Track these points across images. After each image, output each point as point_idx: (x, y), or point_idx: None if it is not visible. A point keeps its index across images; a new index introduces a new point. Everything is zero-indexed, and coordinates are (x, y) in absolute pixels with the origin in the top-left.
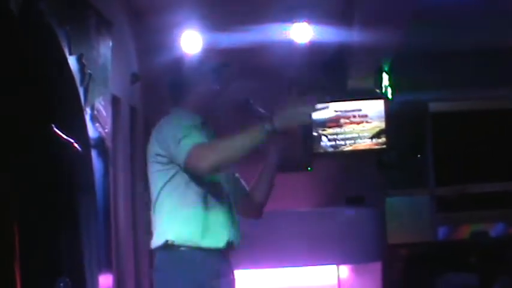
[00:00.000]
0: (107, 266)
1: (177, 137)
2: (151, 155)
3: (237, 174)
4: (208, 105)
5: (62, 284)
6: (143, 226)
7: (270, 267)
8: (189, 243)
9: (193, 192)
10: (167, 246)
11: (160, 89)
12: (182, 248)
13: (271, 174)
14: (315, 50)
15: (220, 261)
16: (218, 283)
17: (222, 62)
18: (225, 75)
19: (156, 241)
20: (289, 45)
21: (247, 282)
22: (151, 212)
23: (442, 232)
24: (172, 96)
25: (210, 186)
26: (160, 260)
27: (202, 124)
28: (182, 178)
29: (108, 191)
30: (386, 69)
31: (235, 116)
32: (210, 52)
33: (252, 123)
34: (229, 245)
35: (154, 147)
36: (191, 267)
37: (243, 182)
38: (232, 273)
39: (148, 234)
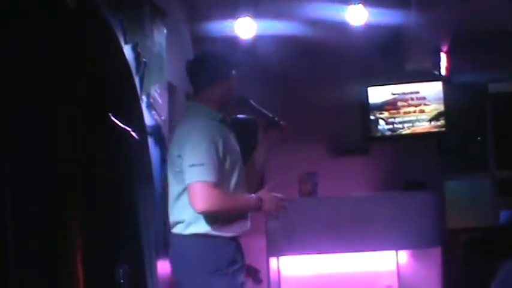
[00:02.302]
0: (164, 253)
1: (192, 159)
2: (174, 154)
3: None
4: (227, 104)
5: (121, 271)
6: None
7: (328, 253)
8: (213, 232)
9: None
10: (193, 235)
11: None
12: (211, 237)
13: (256, 165)
14: (370, 33)
15: (235, 246)
16: (235, 268)
17: (239, 56)
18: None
19: (183, 228)
20: (345, 27)
21: (306, 267)
22: (171, 201)
23: (503, 216)
24: (195, 86)
25: (241, 183)
26: (182, 243)
27: (220, 121)
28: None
29: (165, 178)
30: (444, 50)
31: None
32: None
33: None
34: (245, 233)
35: (175, 149)
36: (212, 252)
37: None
38: (243, 256)
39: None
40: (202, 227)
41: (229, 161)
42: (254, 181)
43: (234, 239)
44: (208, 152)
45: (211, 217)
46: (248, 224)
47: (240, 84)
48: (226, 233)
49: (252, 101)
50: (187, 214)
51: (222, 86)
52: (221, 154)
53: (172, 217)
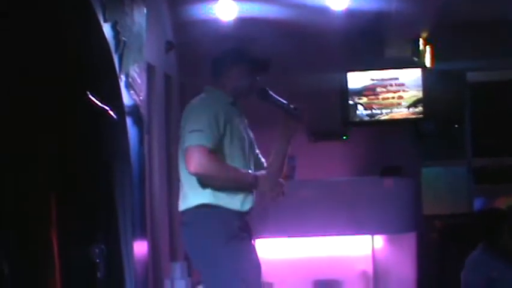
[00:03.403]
0: (141, 233)
1: (193, 126)
2: (181, 128)
3: (257, 150)
4: (242, 92)
5: (97, 251)
6: (178, 193)
7: (303, 236)
8: (220, 204)
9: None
10: (201, 206)
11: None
12: (213, 208)
13: (280, 160)
14: (352, 18)
15: (242, 220)
16: (246, 235)
17: (266, 60)
18: (265, 71)
19: (191, 202)
20: (326, 12)
21: (281, 250)
22: (182, 178)
23: (478, 204)
24: (213, 71)
25: (239, 159)
26: (191, 217)
27: (231, 104)
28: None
29: (143, 158)
30: (424, 37)
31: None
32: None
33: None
34: (251, 209)
35: (182, 123)
36: (219, 222)
37: (261, 158)
38: (250, 230)
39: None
40: (205, 198)
41: (229, 136)
42: (284, 174)
43: (238, 213)
44: (208, 120)
45: (210, 187)
46: (252, 201)
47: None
48: (229, 205)
49: (271, 93)
50: (189, 186)
51: (236, 73)
52: (221, 127)
53: (182, 193)
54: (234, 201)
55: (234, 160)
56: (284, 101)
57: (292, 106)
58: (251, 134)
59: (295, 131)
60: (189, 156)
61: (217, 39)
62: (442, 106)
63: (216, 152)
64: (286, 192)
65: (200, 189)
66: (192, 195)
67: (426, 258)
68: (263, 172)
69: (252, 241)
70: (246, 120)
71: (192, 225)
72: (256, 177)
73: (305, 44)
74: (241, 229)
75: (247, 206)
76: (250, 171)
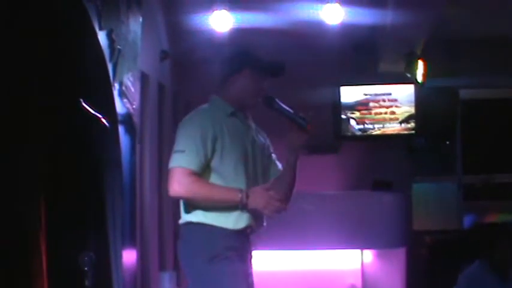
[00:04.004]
0: (131, 242)
1: (178, 145)
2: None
3: (273, 155)
4: (248, 100)
5: (86, 258)
6: (168, 203)
7: (293, 249)
8: (212, 223)
9: (219, 182)
10: (189, 223)
11: (189, 68)
12: (199, 226)
13: (290, 172)
14: (346, 32)
15: (235, 239)
16: (233, 255)
17: (279, 64)
18: (276, 76)
19: (183, 218)
20: (320, 26)
21: (271, 262)
22: None
23: (467, 220)
24: (218, 76)
25: (232, 176)
26: (182, 232)
27: (231, 114)
28: (209, 169)
29: (135, 167)
30: (418, 53)
31: (262, 111)
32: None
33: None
34: (248, 227)
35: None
36: (203, 240)
37: (277, 164)
38: (250, 249)
39: (174, 212)
40: (195, 216)
41: (219, 154)
42: (293, 185)
43: (229, 231)
44: (193, 139)
45: (195, 205)
46: (249, 218)
47: (267, 84)
48: (219, 223)
49: (278, 101)
50: (182, 202)
51: (240, 80)
52: (209, 146)
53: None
54: (227, 220)
55: (226, 178)
56: (291, 110)
57: (300, 115)
58: (264, 140)
59: (302, 142)
60: (170, 178)
61: (212, 50)
62: (434, 122)
63: (200, 172)
64: (284, 209)
65: (190, 207)
66: (184, 212)
67: (415, 274)
68: (258, 188)
69: (247, 260)
70: (254, 127)
71: (182, 241)
72: (246, 195)
73: (299, 56)
74: (229, 248)
75: (242, 224)
76: (257, 184)
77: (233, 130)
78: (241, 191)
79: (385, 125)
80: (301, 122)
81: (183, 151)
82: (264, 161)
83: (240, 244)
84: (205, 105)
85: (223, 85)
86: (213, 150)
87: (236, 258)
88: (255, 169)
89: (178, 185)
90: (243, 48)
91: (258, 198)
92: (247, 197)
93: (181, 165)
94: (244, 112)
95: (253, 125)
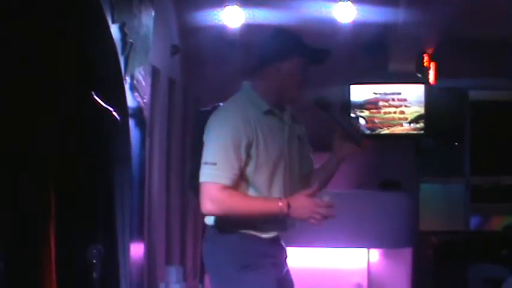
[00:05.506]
0: (139, 236)
1: (208, 155)
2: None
3: (311, 155)
4: (288, 94)
5: (94, 251)
6: (176, 197)
7: (299, 247)
8: (240, 229)
9: (252, 191)
10: (219, 227)
11: (200, 63)
12: (233, 232)
13: (326, 180)
14: (357, 30)
15: (270, 244)
16: (268, 262)
17: (325, 51)
18: (320, 63)
19: (209, 220)
20: (332, 24)
21: None
22: None
23: (474, 222)
24: (252, 63)
25: (268, 185)
26: (209, 234)
27: (266, 113)
28: (241, 177)
29: (144, 160)
30: (429, 54)
31: (312, 113)
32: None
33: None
34: (278, 235)
35: (205, 140)
36: (244, 245)
37: (311, 159)
38: (283, 254)
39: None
40: (229, 224)
41: (254, 162)
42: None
43: (261, 239)
44: (225, 149)
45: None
46: (286, 225)
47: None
48: (256, 232)
49: (333, 109)
50: None
51: (285, 68)
52: (243, 153)
53: None
54: (256, 227)
55: (260, 186)
56: (345, 123)
57: (353, 130)
58: (300, 131)
59: (350, 152)
60: (202, 194)
61: (223, 46)
62: (443, 123)
63: (234, 185)
64: (332, 216)
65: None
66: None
67: (421, 274)
68: (300, 196)
69: (282, 267)
70: (290, 122)
71: (210, 244)
72: (288, 205)
73: None
74: (263, 255)
75: (274, 232)
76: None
77: (269, 131)
78: (280, 199)
79: (394, 125)
80: (357, 136)
81: (214, 164)
82: (301, 161)
83: (274, 251)
84: (236, 97)
85: (259, 74)
86: (247, 157)
87: (270, 266)
88: (292, 172)
89: (211, 203)
90: (291, 34)
91: (302, 207)
92: (289, 206)
93: (213, 180)
94: (282, 106)
95: (289, 121)
